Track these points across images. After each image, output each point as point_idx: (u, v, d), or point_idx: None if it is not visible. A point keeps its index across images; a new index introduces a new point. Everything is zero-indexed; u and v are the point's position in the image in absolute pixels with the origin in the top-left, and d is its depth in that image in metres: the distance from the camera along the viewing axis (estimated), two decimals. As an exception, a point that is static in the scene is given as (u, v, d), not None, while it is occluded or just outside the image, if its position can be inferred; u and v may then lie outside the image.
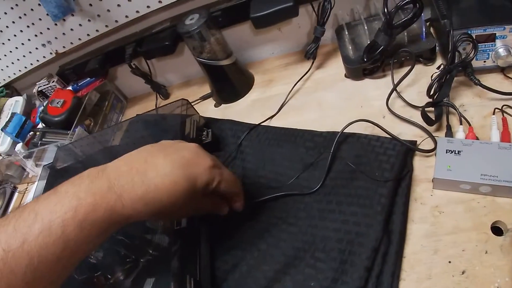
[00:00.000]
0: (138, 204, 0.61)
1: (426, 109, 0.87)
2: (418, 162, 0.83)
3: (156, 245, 0.83)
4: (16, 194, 1.41)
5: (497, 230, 0.70)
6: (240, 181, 0.79)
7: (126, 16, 1.19)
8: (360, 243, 0.72)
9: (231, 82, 1.17)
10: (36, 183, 1.25)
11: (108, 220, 0.59)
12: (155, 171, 0.63)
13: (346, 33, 1.06)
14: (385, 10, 0.90)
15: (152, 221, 0.70)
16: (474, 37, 0.87)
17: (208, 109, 1.23)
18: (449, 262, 0.68)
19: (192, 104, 1.21)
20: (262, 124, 1.05)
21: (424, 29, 0.99)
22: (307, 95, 1.10)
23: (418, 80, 0.99)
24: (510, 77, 0.90)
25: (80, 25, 1.23)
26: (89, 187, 0.60)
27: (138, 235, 0.86)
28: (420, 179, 0.81)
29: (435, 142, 0.82)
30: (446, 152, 0.77)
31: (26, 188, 1.40)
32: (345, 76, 1.09)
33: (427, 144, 0.84)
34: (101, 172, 0.62)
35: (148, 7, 1.15)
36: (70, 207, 0.57)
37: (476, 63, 0.91)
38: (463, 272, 0.66)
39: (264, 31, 1.20)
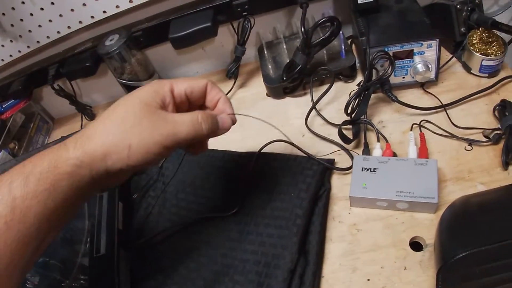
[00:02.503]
0: (84, 141, 0.54)
1: (345, 126, 0.87)
2: (337, 180, 0.83)
3: (85, 270, 0.80)
4: None
5: (416, 245, 0.71)
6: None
7: (48, 37, 1.16)
8: (276, 265, 0.71)
9: (154, 103, 1.15)
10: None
11: (53, 169, 0.52)
12: (105, 112, 0.57)
13: (266, 52, 1.06)
14: (302, 29, 0.90)
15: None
16: (392, 54, 0.88)
17: (133, 131, 1.19)
18: (368, 280, 0.68)
19: (117, 125, 1.18)
20: (183, 145, 1.02)
21: (343, 47, 1.00)
22: (229, 114, 1.08)
23: (338, 98, 0.99)
24: (429, 92, 0.92)
25: (2, 45, 1.19)
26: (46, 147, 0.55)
27: (71, 259, 0.82)
28: (338, 197, 0.81)
29: (353, 160, 0.82)
30: (362, 170, 0.77)
31: None
32: (267, 95, 1.09)
33: (346, 162, 0.85)
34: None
35: (68, 27, 1.12)
36: (22, 165, 0.52)
37: (395, 79, 0.93)
38: (382, 289, 0.66)
39: (188, 50, 1.19)
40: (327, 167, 0.83)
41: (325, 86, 0.98)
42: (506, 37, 0.91)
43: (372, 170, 0.77)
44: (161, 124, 0.56)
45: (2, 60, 1.24)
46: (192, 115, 0.60)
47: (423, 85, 0.94)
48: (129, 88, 1.08)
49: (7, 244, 0.49)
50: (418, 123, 0.87)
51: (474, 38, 0.92)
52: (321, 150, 0.89)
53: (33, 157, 0.53)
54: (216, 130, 0.65)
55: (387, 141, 0.85)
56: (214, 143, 0.99)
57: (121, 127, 0.54)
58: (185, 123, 0.58)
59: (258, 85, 1.12)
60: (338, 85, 1.01)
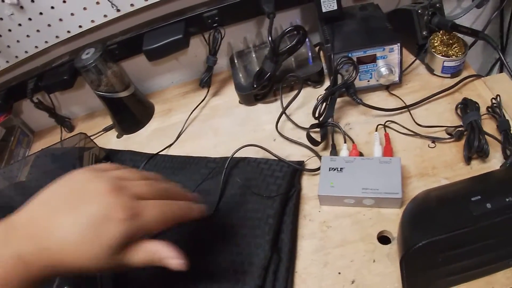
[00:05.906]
0: (46, 271, 0.53)
1: (313, 129, 0.90)
2: (307, 181, 0.87)
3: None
4: None
5: (384, 239, 0.74)
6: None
7: (26, 52, 1.17)
8: (250, 263, 0.74)
9: (131, 113, 1.16)
10: None
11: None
12: (59, 232, 0.53)
13: (236, 61, 1.10)
14: (270, 38, 0.93)
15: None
16: (356, 59, 0.92)
17: (111, 141, 1.21)
18: (339, 273, 0.71)
19: (96, 135, 1.20)
20: (160, 153, 1.05)
21: (310, 54, 1.04)
22: (203, 122, 1.12)
23: (307, 103, 1.03)
24: (394, 94, 0.96)
25: (-19, 61, 1.21)
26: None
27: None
28: (308, 197, 0.84)
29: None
30: (329, 170, 0.80)
31: None
32: (239, 102, 1.11)
33: (315, 163, 0.88)
34: (10, 232, 0.54)
35: (46, 42, 1.14)
36: None
37: (360, 83, 0.97)
38: (352, 282, 0.69)
39: (162, 61, 1.22)
40: (296, 169, 0.86)
41: (295, 92, 1.01)
42: (468, 39, 0.96)
43: (339, 169, 0.80)
44: (128, 263, 0.56)
45: (-18, 75, 1.25)
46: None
47: (388, 88, 0.98)
48: (106, 100, 1.10)
49: None
50: (383, 123, 0.90)
51: (435, 41, 0.96)
52: (292, 153, 0.92)
53: None
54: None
55: (353, 142, 0.88)
56: (191, 150, 1.02)
57: (84, 268, 0.54)
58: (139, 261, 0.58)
59: (230, 93, 1.15)
60: (307, 91, 1.05)
